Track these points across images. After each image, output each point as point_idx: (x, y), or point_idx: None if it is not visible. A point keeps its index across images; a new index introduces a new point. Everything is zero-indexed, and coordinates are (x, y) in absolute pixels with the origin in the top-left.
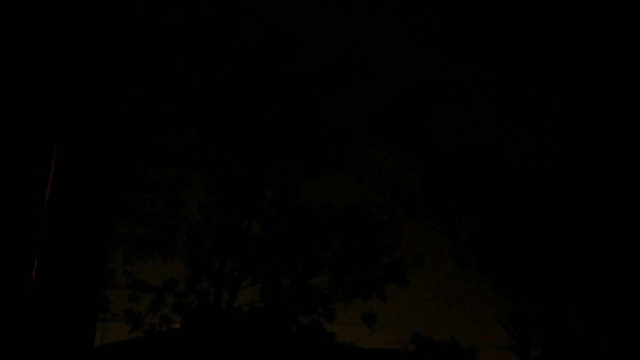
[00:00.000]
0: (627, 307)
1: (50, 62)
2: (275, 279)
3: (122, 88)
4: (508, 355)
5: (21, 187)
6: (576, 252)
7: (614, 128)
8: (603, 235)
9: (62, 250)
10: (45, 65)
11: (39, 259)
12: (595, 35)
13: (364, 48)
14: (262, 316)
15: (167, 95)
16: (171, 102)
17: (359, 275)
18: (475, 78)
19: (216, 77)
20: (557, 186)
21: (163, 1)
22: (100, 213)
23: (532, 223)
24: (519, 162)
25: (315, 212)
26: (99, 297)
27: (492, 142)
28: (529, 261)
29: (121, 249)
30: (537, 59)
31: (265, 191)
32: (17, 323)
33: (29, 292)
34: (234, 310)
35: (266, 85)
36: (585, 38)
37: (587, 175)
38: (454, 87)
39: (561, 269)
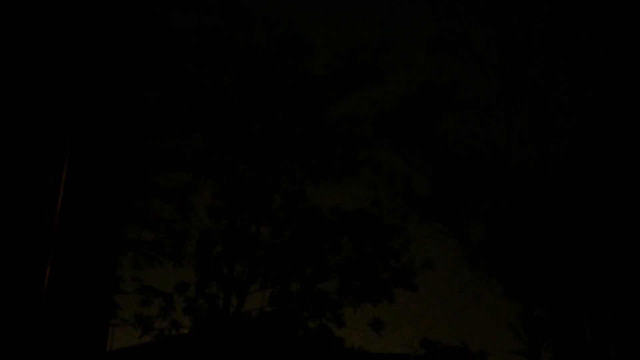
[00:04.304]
0: (638, 311)
1: (60, 69)
2: (284, 283)
3: (132, 94)
4: None
5: (31, 195)
6: (587, 255)
7: (624, 130)
8: (614, 238)
9: (75, 257)
10: (54, 71)
11: (52, 266)
12: (604, 36)
13: (371, 51)
14: (271, 321)
15: (175, 100)
16: (179, 106)
17: (368, 280)
18: (483, 81)
19: (224, 81)
20: (567, 189)
21: (171, 6)
22: (111, 219)
23: (542, 226)
24: (527, 165)
25: (323, 217)
26: (111, 303)
27: (501, 145)
28: (539, 264)
29: (130, 255)
30: (545, 61)
31: (274, 196)
32: (30, 329)
33: (42, 298)
34: (242, 315)
35: (274, 90)
36: (594, 39)
37: (597, 178)
38: (463, 90)
39: (572, 272)
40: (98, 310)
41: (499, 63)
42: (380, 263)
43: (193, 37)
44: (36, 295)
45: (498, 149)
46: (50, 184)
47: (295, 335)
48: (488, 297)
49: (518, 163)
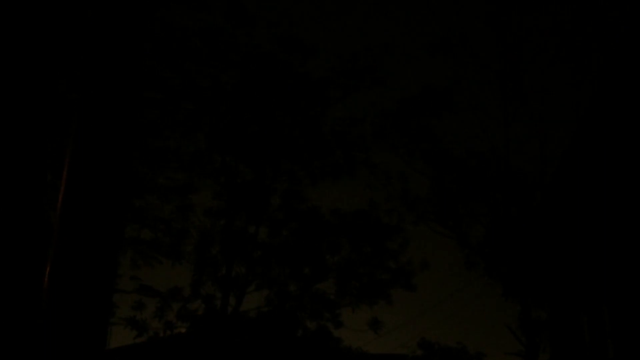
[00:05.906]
0: (637, 313)
1: (63, 67)
2: (282, 283)
3: (137, 92)
4: None
5: (33, 193)
6: (585, 256)
7: (624, 132)
8: (612, 239)
9: (76, 255)
10: (57, 69)
11: (52, 265)
12: (605, 37)
13: (372, 53)
14: (269, 321)
15: (175, 100)
16: (180, 106)
17: (366, 281)
18: (483, 82)
19: (225, 81)
20: (566, 191)
21: (173, 5)
22: (114, 218)
23: (541, 227)
24: (527, 167)
25: (322, 217)
26: (111, 302)
27: (500, 146)
28: (537, 266)
29: (128, 254)
30: (545, 63)
31: (273, 196)
32: (30, 328)
33: (42, 297)
34: (240, 315)
35: (274, 90)
36: (594, 41)
37: (596, 179)
38: (462, 91)
39: (570, 273)
40: (99, 310)
41: (498, 64)
42: (379, 263)
43: (195, 37)
44: (36, 294)
45: (497, 151)
46: (50, 183)
47: (293, 335)
48: (486, 298)
49: (517, 165)
